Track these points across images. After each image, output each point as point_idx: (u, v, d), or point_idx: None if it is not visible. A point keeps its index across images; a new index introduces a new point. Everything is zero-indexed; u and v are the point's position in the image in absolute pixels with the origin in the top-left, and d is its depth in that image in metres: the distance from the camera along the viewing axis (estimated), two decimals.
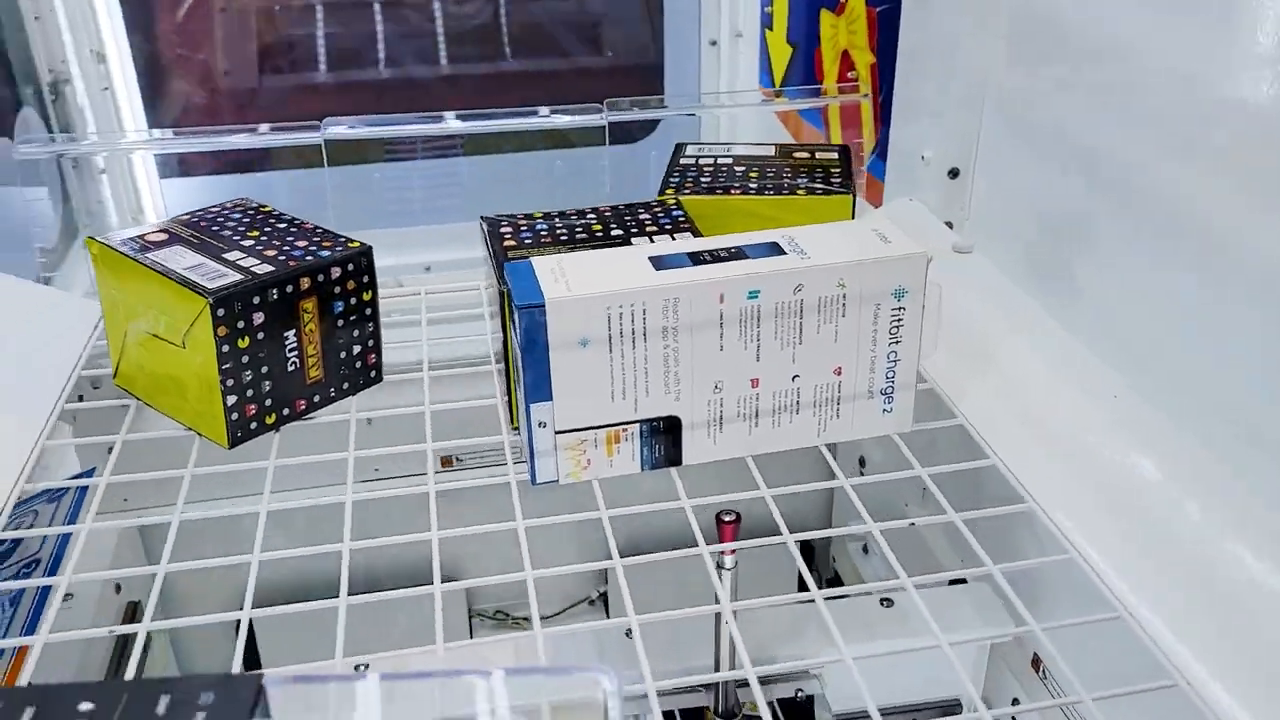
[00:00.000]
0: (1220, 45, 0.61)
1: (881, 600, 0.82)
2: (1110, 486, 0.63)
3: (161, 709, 0.34)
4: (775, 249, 0.64)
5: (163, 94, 1.85)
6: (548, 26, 2.14)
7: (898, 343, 0.65)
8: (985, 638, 0.77)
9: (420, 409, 0.73)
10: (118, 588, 1.03)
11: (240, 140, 0.89)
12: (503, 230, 0.73)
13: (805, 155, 0.84)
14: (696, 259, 0.63)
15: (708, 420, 0.65)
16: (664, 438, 0.65)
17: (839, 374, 0.65)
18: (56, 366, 0.77)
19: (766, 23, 1.38)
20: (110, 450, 0.70)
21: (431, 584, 0.58)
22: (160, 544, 0.61)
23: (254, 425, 0.69)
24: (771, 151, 0.85)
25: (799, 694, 0.79)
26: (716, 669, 0.76)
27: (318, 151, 0.95)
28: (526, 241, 0.71)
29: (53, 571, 0.79)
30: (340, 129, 0.85)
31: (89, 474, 0.87)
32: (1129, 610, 0.55)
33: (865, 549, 1.17)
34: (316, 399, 0.72)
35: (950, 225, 0.90)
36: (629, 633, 0.83)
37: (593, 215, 0.75)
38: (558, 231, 0.73)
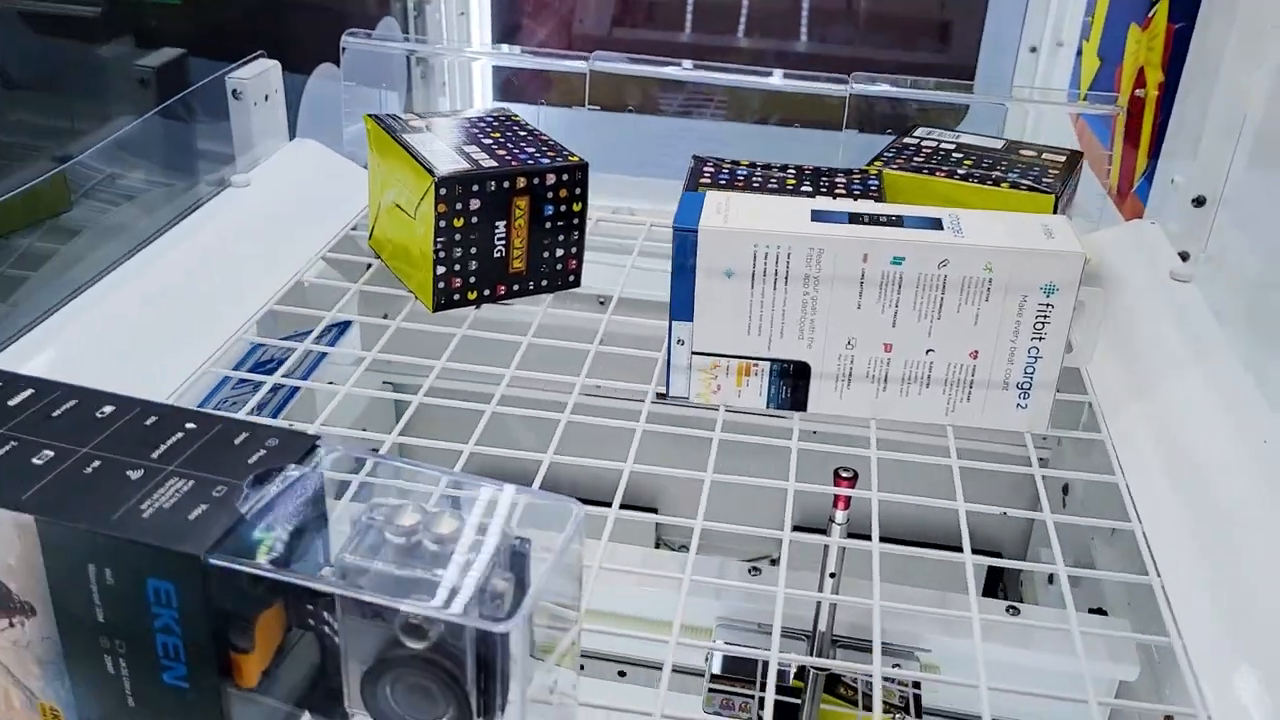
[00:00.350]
0: None
1: (1008, 609, 0.81)
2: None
3: (238, 440, 0.44)
4: (935, 224, 0.65)
5: (516, 29, 2.04)
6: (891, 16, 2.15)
7: (1040, 339, 0.65)
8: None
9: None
10: None
11: (519, 60, 0.99)
12: (706, 169, 0.79)
13: (1031, 154, 0.83)
14: (855, 219, 0.66)
15: (836, 374, 0.68)
16: (792, 381, 0.69)
17: (974, 357, 0.66)
18: (332, 223, 0.92)
19: (1085, 33, 1.34)
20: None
21: (616, 510, 0.62)
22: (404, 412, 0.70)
23: (457, 297, 0.79)
24: (1000, 145, 0.85)
25: (896, 667, 0.80)
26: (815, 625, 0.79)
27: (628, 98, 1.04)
28: (721, 182, 0.77)
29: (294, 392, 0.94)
30: (602, 62, 0.93)
31: (345, 326, 1.02)
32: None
33: (1051, 580, 1.13)
34: (516, 288, 0.82)
35: (1185, 256, 0.86)
36: (753, 570, 0.87)
37: (793, 170, 0.79)
38: (753, 178, 0.77)
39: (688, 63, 0.93)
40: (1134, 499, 0.63)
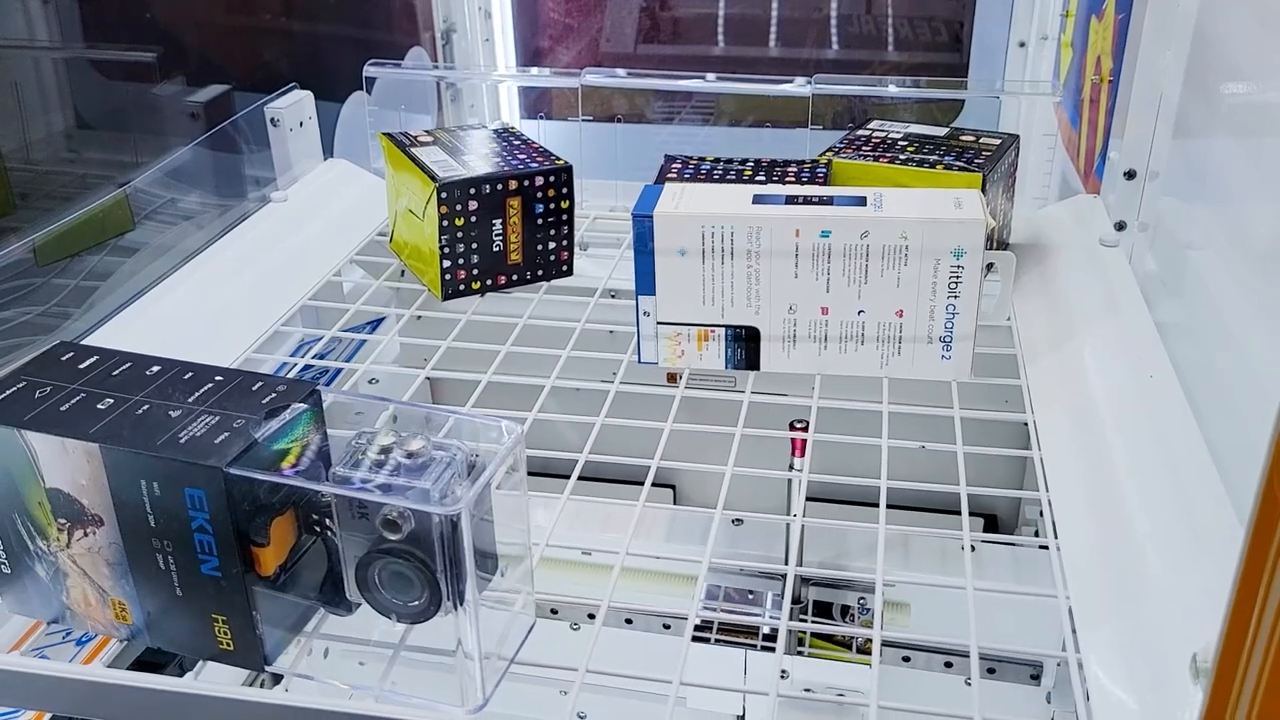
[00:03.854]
0: None
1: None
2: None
3: (255, 388, 0.55)
4: (860, 201, 0.75)
5: (540, 52, 2.16)
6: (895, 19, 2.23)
7: (955, 297, 0.74)
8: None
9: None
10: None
11: (517, 79, 1.10)
12: (674, 166, 0.89)
13: (970, 139, 0.93)
14: (791, 200, 0.76)
15: (782, 336, 0.78)
16: (745, 345, 0.79)
17: (900, 316, 0.76)
18: (361, 230, 1.04)
19: (1062, 27, 1.42)
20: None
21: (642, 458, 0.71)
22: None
23: (463, 287, 0.91)
24: (943, 133, 0.94)
25: (861, 602, 0.90)
26: (786, 563, 0.89)
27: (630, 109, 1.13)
28: (687, 176, 0.87)
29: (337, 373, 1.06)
30: (592, 77, 1.04)
31: (378, 322, 1.14)
32: None
33: (1037, 533, 1.21)
34: (515, 278, 0.93)
35: (1121, 226, 0.94)
36: (736, 521, 0.97)
37: (751, 164, 0.89)
38: (715, 171, 0.88)
39: (671, 73, 1.04)
40: (1038, 432, 0.72)
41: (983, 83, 1.56)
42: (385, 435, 0.53)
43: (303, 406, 0.54)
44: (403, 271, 0.99)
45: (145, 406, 0.53)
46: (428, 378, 0.83)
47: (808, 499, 0.79)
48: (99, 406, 0.54)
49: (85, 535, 0.54)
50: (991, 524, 1.34)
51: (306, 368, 0.89)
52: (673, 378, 1.34)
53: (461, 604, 0.52)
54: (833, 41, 2.40)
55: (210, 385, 0.55)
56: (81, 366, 0.57)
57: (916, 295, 0.75)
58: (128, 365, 0.57)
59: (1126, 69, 0.98)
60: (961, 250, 0.73)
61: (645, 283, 0.78)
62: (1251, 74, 0.77)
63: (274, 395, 0.55)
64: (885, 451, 0.71)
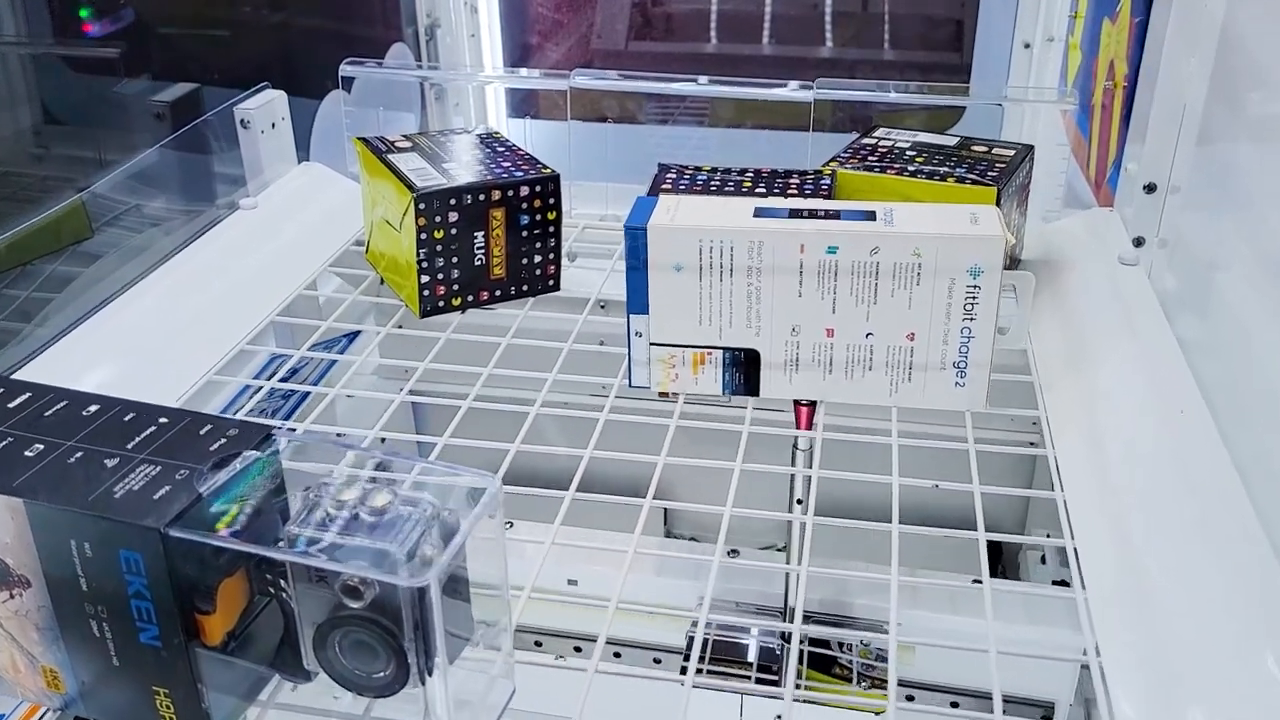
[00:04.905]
0: None
1: (973, 581, 0.85)
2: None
3: (203, 431, 0.50)
4: (869, 215, 0.70)
5: (529, 48, 2.10)
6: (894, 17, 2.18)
7: (971, 320, 0.69)
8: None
9: None
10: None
11: (510, 81, 1.05)
12: (668, 175, 0.84)
13: (983, 149, 0.87)
14: (795, 214, 0.71)
15: (784, 360, 0.73)
16: (744, 368, 0.73)
17: (911, 340, 0.70)
18: (335, 239, 0.98)
19: (1070, 29, 1.37)
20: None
21: (635, 498, 0.66)
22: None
23: (442, 303, 0.85)
24: (953, 142, 0.89)
25: (862, 643, 0.85)
26: (785, 600, 0.84)
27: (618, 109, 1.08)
28: (682, 187, 0.82)
29: (305, 397, 1.00)
30: (582, 80, 0.99)
31: (353, 336, 1.08)
32: None
33: (1044, 559, 1.17)
34: (498, 293, 0.87)
35: (1140, 242, 0.89)
36: (732, 552, 0.92)
37: (750, 174, 0.84)
38: (711, 182, 0.82)
39: (664, 76, 0.98)
40: (1059, 471, 0.67)
41: (988, 86, 1.50)
42: (347, 486, 0.47)
43: (255, 454, 0.48)
44: (381, 281, 0.93)
45: (79, 454, 0.48)
46: (407, 399, 0.78)
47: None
48: (27, 453, 0.48)
49: (11, 597, 0.48)
50: (994, 546, 1.29)
51: (275, 390, 0.83)
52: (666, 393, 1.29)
53: (431, 674, 0.47)
54: (828, 39, 2.35)
55: (153, 429, 0.49)
56: (11, 405, 0.51)
57: (929, 317, 0.70)
58: (63, 404, 0.51)
59: (1147, 77, 0.93)
60: (979, 269, 0.68)
61: (638, 300, 0.72)
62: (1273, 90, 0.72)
63: (223, 441, 0.49)
64: (896, 491, 0.65)
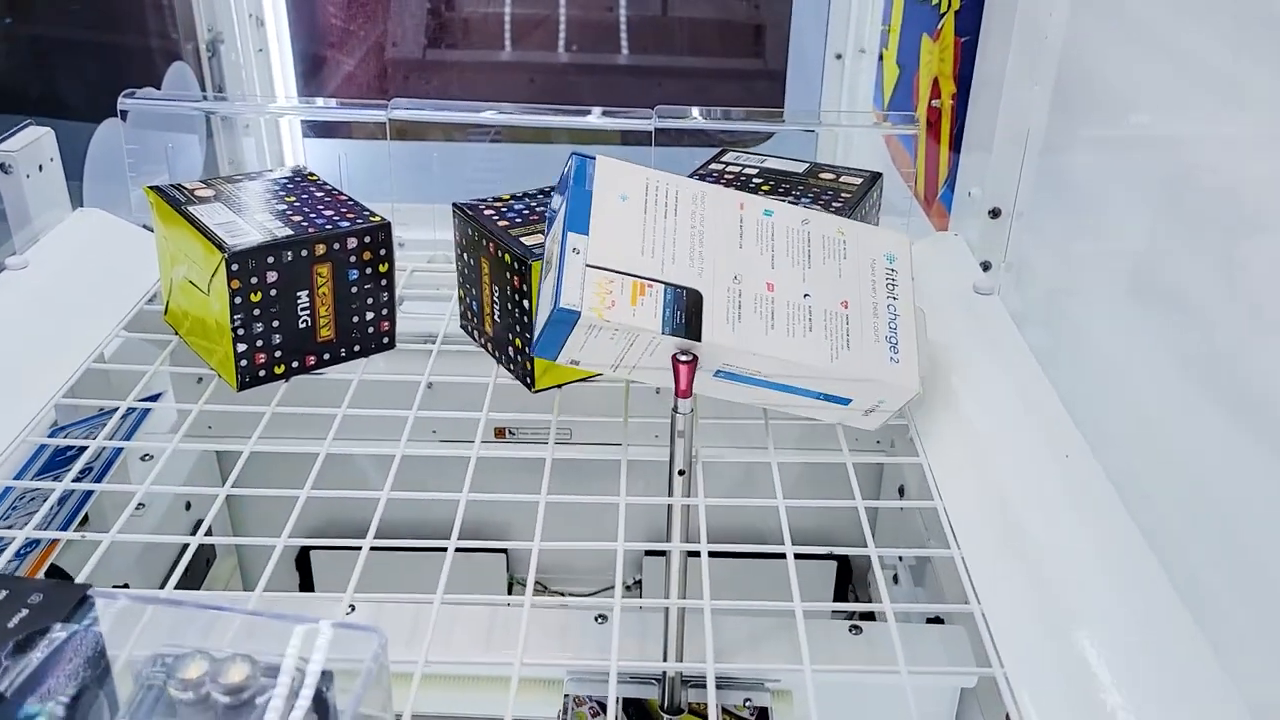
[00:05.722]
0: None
1: (850, 629, 0.82)
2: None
3: None
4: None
5: (321, 60, 1.98)
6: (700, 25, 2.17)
7: (894, 299, 0.70)
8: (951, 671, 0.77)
9: (485, 380, 0.78)
10: (188, 505, 1.12)
11: (319, 113, 0.96)
12: (486, 212, 0.77)
13: (830, 177, 0.85)
14: None
15: (727, 305, 0.66)
16: (687, 310, 0.66)
17: (846, 307, 0.68)
18: (125, 298, 0.86)
19: (883, 42, 1.37)
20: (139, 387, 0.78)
21: (456, 541, 0.64)
22: (231, 471, 0.68)
23: (263, 373, 0.76)
24: (802, 169, 0.86)
25: (747, 704, 0.81)
26: (665, 659, 0.79)
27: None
28: (517, 221, 0.76)
29: (99, 480, 0.88)
30: (401, 111, 0.91)
31: (155, 398, 0.96)
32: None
33: (896, 578, 1.16)
34: (327, 356, 0.78)
35: (987, 266, 0.89)
36: (599, 618, 0.86)
37: None
38: (537, 209, 0.78)
39: (493, 106, 0.91)
40: (953, 528, 0.65)
41: (802, 95, 1.50)
42: (192, 662, 0.39)
43: (66, 630, 0.39)
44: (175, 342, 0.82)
45: None
46: (228, 497, 0.68)
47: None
48: None
49: None
50: (844, 567, 1.28)
51: (66, 495, 0.71)
52: (501, 433, 1.22)
53: None
54: (623, 46, 2.32)
55: None
56: None
57: (858, 288, 0.70)
58: None
59: (982, 99, 0.92)
60: (893, 255, 0.68)
61: (578, 220, 0.66)
62: (1119, 108, 0.72)
63: (25, 612, 0.39)
64: (792, 565, 0.61)
